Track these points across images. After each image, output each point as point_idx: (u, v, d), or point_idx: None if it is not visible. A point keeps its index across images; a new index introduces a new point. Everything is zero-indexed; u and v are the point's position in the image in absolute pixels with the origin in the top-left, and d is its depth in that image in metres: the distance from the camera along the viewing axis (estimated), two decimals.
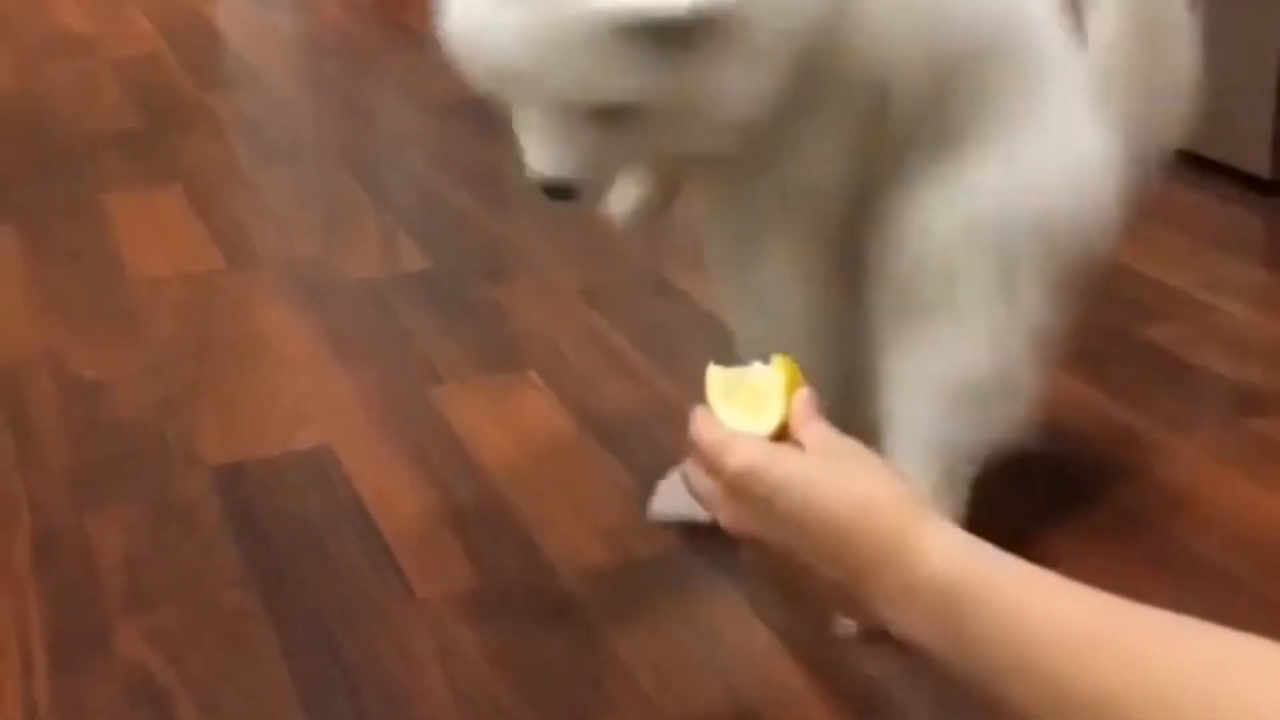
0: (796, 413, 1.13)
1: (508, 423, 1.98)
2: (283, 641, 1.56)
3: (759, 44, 1.35)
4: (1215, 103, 2.54)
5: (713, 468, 1.12)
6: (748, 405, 1.14)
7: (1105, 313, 2.19)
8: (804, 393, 1.14)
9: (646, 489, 1.78)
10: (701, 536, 1.69)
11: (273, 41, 4.12)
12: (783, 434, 1.12)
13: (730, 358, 1.22)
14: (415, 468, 1.88)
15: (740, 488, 1.09)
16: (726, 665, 1.51)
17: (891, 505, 1.03)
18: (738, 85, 1.35)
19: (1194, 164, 2.65)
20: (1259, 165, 2.59)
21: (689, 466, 1.15)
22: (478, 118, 3.30)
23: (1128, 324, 2.15)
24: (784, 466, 1.07)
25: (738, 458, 1.09)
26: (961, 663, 0.95)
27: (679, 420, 1.84)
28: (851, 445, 1.10)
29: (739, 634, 1.55)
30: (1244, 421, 1.92)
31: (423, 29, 4.04)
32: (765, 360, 1.17)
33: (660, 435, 1.91)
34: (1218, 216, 2.53)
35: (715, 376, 1.17)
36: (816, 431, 1.11)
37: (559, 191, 1.39)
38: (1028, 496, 1.74)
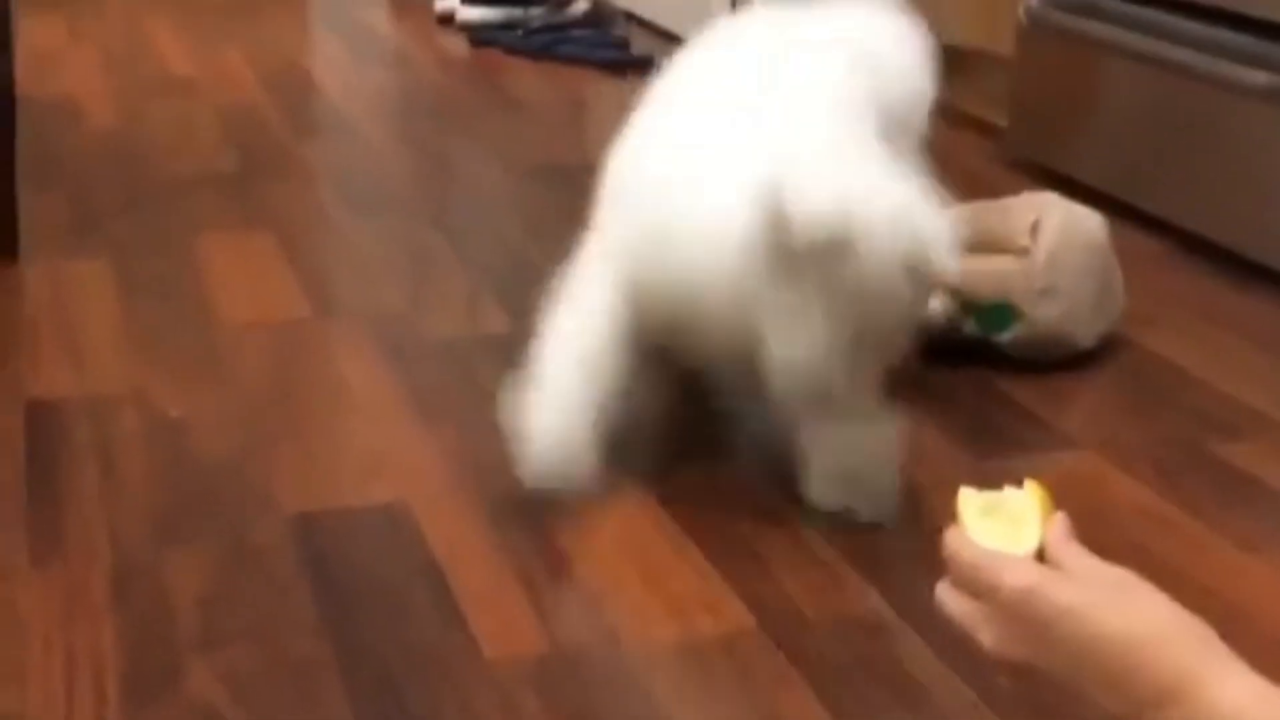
0: (1054, 536, 1.12)
1: (582, 490, 2.00)
2: (349, 690, 1.59)
3: None
4: None
5: (982, 587, 1.09)
6: (1003, 527, 1.14)
7: (1180, 425, 2.20)
8: (1060, 517, 1.14)
9: (719, 565, 1.80)
10: (772, 618, 1.71)
11: (368, 95, 4.18)
12: (1040, 558, 1.11)
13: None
14: (488, 528, 1.90)
15: (1019, 610, 1.07)
16: None
17: (1183, 640, 1.02)
18: None
19: (1275, 281, 2.65)
20: None
21: (945, 587, 1.14)
22: (565, 183, 3.35)
23: (1202, 438, 2.16)
24: (1069, 593, 1.05)
25: (1018, 578, 1.07)
26: None
27: (748, 497, 1.87)
28: (1122, 573, 1.09)
29: (799, 717, 1.56)
30: None
31: (515, 92, 4.11)
32: (1018, 484, 1.17)
33: (734, 514, 1.93)
34: None
35: (969, 498, 1.16)
36: (1080, 556, 1.11)
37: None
38: None
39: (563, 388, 1.92)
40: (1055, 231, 2.30)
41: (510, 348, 2.43)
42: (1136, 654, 1.01)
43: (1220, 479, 2.06)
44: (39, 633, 1.68)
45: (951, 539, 1.14)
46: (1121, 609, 1.04)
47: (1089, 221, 2.39)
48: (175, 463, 2.05)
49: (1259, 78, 2.66)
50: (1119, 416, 2.29)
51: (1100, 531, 1.91)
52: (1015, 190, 2.57)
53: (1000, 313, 2.29)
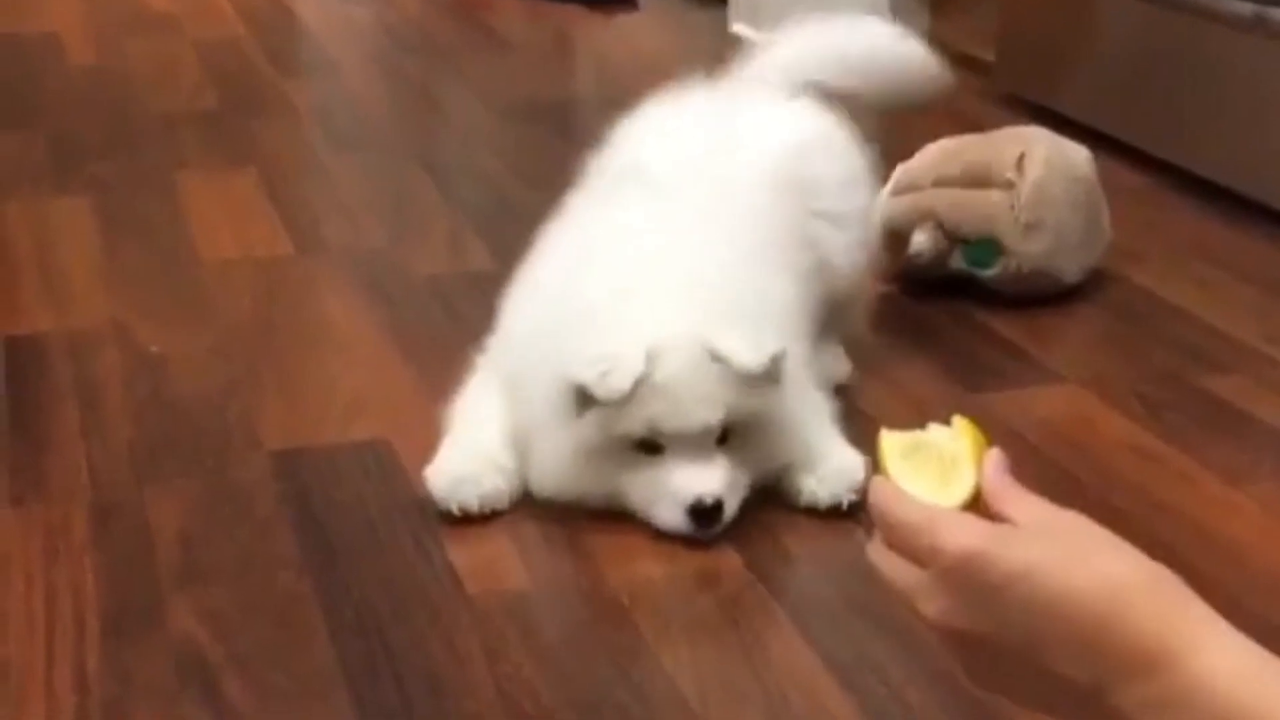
0: (991, 480, 0.99)
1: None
2: (331, 626, 1.58)
3: None
4: None
5: (921, 552, 0.96)
6: (933, 472, 1.02)
7: (1166, 359, 2.19)
8: (995, 455, 1.01)
9: None
10: (757, 556, 1.70)
11: (351, 32, 4.15)
12: (975, 502, 0.99)
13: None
14: None
15: (963, 577, 0.93)
16: (769, 684, 1.51)
17: (1153, 597, 0.90)
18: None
19: (1265, 215, 2.64)
20: None
21: (878, 548, 1.00)
22: (549, 120, 3.33)
23: (1188, 372, 2.15)
24: (1018, 552, 0.92)
25: (959, 541, 0.93)
26: None
27: None
28: (1073, 517, 0.96)
29: (784, 654, 1.55)
30: None
31: (499, 28, 4.08)
32: (945, 422, 1.05)
33: None
34: None
35: (890, 441, 1.04)
36: (1023, 502, 0.97)
37: (712, 513, 1.70)
38: None
39: (477, 432, 1.86)
40: (1041, 165, 2.29)
41: (493, 284, 2.42)
42: (1102, 616, 0.89)
43: (1207, 412, 2.05)
44: (19, 571, 1.67)
45: (878, 492, 1.00)
46: (1080, 565, 0.91)
47: (1075, 155, 2.37)
48: (156, 400, 2.04)
49: (1246, 9, 2.65)
50: (1105, 350, 2.28)
51: (1087, 465, 1.92)
52: (1003, 126, 2.56)
53: (986, 248, 2.27)
